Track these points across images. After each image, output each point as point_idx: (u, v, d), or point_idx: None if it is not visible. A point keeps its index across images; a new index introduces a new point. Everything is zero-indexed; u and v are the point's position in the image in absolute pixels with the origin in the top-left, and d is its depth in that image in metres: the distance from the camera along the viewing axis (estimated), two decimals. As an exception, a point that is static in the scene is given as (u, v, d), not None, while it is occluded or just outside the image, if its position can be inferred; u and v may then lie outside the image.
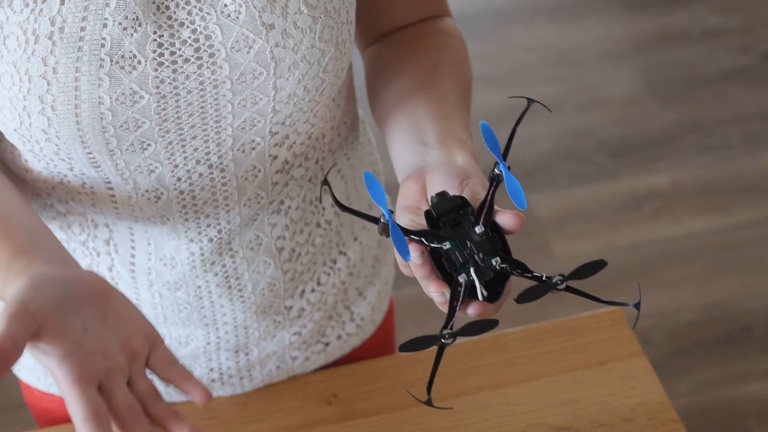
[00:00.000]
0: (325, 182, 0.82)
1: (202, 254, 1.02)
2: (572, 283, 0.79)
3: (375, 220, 0.80)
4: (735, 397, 2.19)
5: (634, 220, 2.53)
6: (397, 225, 0.78)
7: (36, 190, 1.01)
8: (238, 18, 0.87)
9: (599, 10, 3.13)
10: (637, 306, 0.81)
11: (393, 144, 0.94)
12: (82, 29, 0.85)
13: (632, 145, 2.71)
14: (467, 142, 0.90)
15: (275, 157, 0.98)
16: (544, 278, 0.79)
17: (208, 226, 1.00)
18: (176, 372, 0.84)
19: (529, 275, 0.79)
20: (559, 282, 0.78)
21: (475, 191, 0.82)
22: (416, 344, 0.76)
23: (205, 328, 1.08)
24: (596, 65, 2.95)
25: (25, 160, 0.96)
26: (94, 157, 0.91)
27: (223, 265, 1.04)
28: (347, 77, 1.05)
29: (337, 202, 0.81)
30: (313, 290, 1.12)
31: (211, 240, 1.01)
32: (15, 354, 0.76)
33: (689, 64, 2.94)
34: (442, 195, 0.82)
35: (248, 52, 0.88)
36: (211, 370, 1.13)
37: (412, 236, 0.80)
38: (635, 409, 1.12)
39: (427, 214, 0.82)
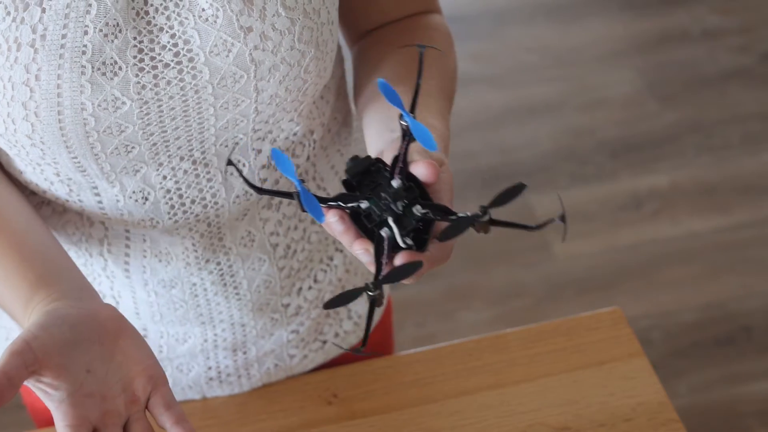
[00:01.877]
0: (230, 162, 0.81)
1: (195, 250, 1.02)
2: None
3: (290, 195, 0.79)
4: (735, 397, 2.19)
5: (634, 220, 2.53)
6: (310, 192, 0.78)
7: (32, 190, 1.01)
8: (215, 22, 0.88)
9: (599, 10, 3.13)
10: (562, 218, 0.79)
11: (367, 134, 0.94)
12: (64, 36, 0.85)
13: (632, 145, 2.71)
14: (437, 126, 0.89)
15: (259, 151, 0.98)
16: (467, 216, 0.77)
17: (198, 221, 1.00)
18: (171, 415, 0.85)
19: (454, 217, 0.78)
20: (480, 213, 0.77)
21: (410, 153, 0.82)
22: (341, 299, 0.75)
23: (201, 326, 1.08)
24: (596, 65, 2.94)
25: (15, 165, 0.96)
26: (79, 161, 0.91)
27: (218, 263, 1.04)
28: (338, 73, 1.05)
29: (248, 183, 0.81)
30: (310, 288, 1.12)
31: (202, 235, 1.01)
32: (9, 390, 0.79)
33: (689, 64, 2.94)
34: (354, 159, 0.82)
35: (227, 56, 0.88)
36: (209, 368, 1.12)
37: (329, 203, 0.79)
38: (635, 409, 1.12)
39: (344, 181, 0.81)
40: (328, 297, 1.14)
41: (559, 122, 2.77)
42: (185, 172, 0.96)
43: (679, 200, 2.58)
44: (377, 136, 0.91)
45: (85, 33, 0.85)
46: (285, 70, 0.91)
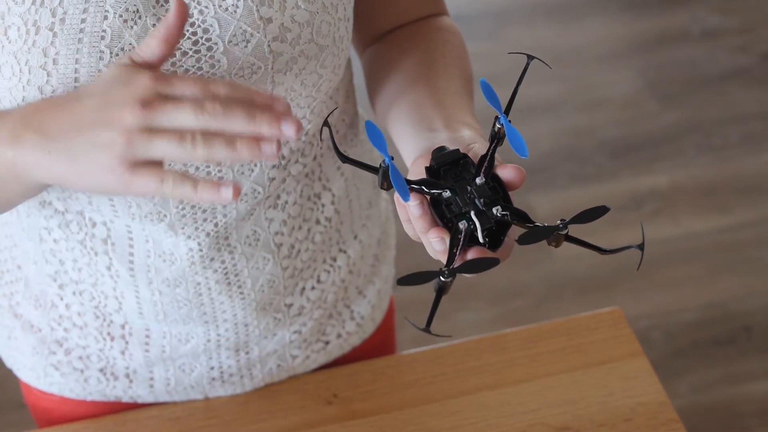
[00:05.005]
0: (326, 123, 0.82)
1: (201, 250, 1.02)
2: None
3: (375, 169, 0.80)
4: (735, 397, 2.19)
5: (634, 220, 2.53)
6: (398, 170, 0.78)
7: None
8: (235, 12, 0.88)
9: (599, 10, 3.13)
10: (641, 247, 0.82)
11: (399, 134, 0.94)
12: (83, 21, 0.85)
13: (632, 145, 2.71)
14: (474, 125, 0.91)
15: None
16: (545, 226, 0.79)
17: (205, 220, 1.00)
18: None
19: (531, 224, 0.79)
20: (561, 226, 0.78)
21: (478, 153, 0.83)
22: (415, 278, 0.76)
23: (205, 326, 1.08)
24: (596, 65, 2.95)
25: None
26: None
27: (222, 261, 1.04)
28: (346, 75, 1.05)
29: (336, 149, 0.81)
30: (313, 288, 1.12)
31: (208, 234, 1.01)
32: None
33: (689, 64, 2.94)
34: (441, 149, 0.83)
35: (246, 47, 0.89)
36: (212, 368, 1.13)
37: (413, 185, 0.80)
38: (635, 409, 1.12)
39: (428, 168, 0.82)
40: (330, 298, 1.14)
41: (559, 122, 2.77)
42: (197, 168, 0.96)
43: (679, 200, 2.58)
44: (415, 135, 0.91)
45: (105, 18, 0.86)
46: (302, 63, 0.91)
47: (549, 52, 2.99)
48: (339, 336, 1.17)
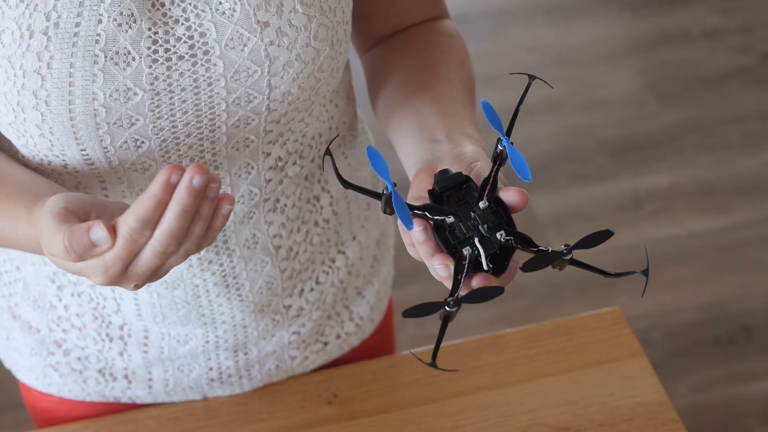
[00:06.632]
0: (328, 152, 0.82)
1: (199, 252, 1.02)
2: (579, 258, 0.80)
3: (378, 195, 0.80)
4: (735, 397, 2.19)
5: (634, 220, 2.53)
6: (401, 197, 0.78)
7: None
8: (232, 16, 0.88)
9: (599, 10, 3.13)
10: (645, 273, 0.81)
11: (401, 143, 0.94)
12: (77, 25, 0.85)
13: (632, 145, 2.71)
14: (476, 136, 0.90)
15: (268, 154, 0.98)
16: (549, 251, 0.79)
17: None
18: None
19: (535, 249, 0.79)
20: (565, 251, 0.78)
21: (481, 173, 0.83)
22: (420, 310, 0.76)
23: (203, 327, 1.08)
24: (596, 65, 2.95)
25: (22, 157, 0.96)
26: (87, 154, 0.91)
27: (221, 264, 1.04)
28: (346, 78, 1.05)
29: (339, 176, 0.81)
30: (311, 289, 1.12)
31: None
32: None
33: (689, 64, 2.94)
34: (444, 172, 0.83)
35: (242, 50, 0.88)
36: (211, 369, 1.13)
37: (416, 211, 0.80)
38: (635, 409, 1.12)
39: (431, 192, 0.82)
40: (329, 299, 1.14)
41: (559, 122, 2.77)
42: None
43: (679, 200, 2.58)
44: (416, 145, 0.90)
45: (99, 22, 0.86)
46: (299, 67, 0.91)
47: (549, 52, 2.99)
48: (338, 337, 1.17)
